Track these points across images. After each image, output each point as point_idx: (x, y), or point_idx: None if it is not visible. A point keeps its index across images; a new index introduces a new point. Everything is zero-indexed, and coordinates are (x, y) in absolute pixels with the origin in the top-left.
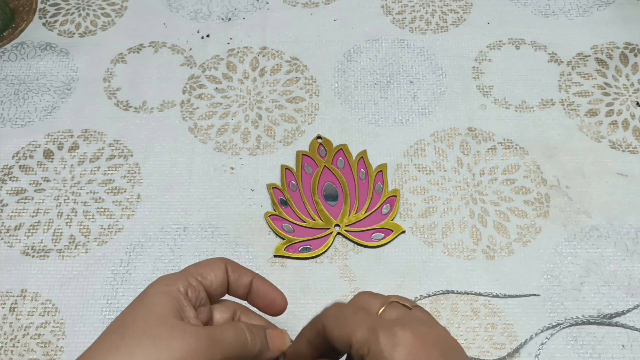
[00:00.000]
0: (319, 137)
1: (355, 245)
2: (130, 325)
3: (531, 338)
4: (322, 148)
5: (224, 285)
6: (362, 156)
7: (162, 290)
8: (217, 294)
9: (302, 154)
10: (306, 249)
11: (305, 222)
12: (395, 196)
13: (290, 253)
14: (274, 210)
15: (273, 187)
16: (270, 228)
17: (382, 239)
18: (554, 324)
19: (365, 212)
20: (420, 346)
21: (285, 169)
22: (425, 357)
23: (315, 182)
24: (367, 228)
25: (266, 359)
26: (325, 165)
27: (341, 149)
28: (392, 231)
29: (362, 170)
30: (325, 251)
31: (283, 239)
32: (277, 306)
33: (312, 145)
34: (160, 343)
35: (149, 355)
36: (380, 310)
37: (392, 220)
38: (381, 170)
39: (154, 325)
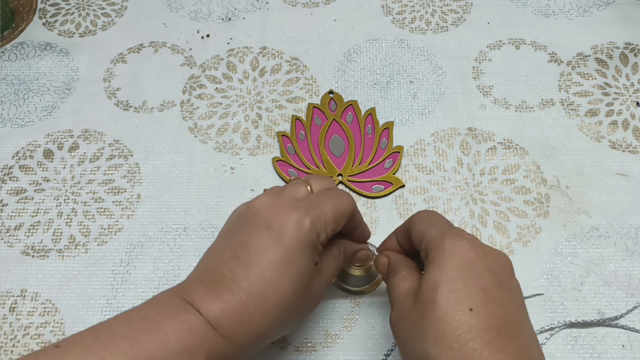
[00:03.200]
0: (330, 92)
1: (354, 195)
2: (288, 300)
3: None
4: (332, 102)
5: None
6: (371, 113)
7: (307, 246)
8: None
9: (313, 107)
10: None
11: (309, 169)
12: (399, 152)
13: None
14: (282, 157)
15: (282, 135)
16: (277, 172)
17: (382, 190)
18: (553, 325)
19: (368, 165)
20: (473, 255)
21: (296, 119)
22: (473, 266)
23: (323, 133)
24: (369, 179)
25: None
26: (334, 119)
27: (351, 104)
28: (392, 184)
29: (369, 125)
30: None
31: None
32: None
33: (323, 99)
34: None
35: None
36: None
37: (393, 174)
38: (387, 128)
39: (305, 298)
